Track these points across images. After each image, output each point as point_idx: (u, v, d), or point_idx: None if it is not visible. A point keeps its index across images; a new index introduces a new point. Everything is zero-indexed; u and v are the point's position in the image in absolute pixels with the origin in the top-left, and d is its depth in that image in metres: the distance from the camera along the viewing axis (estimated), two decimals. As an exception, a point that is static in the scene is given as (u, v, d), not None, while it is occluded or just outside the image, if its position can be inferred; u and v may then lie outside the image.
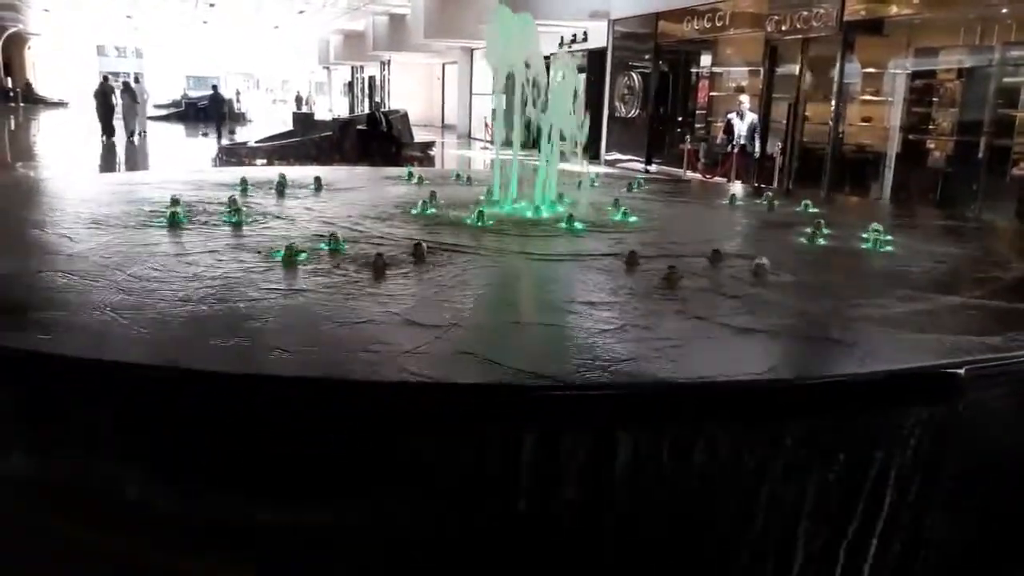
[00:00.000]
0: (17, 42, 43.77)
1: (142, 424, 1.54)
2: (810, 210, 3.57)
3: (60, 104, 40.41)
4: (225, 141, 19.34)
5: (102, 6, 31.36)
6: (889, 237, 2.86)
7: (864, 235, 2.87)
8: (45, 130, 26.36)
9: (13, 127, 26.24)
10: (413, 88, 33.83)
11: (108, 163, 16.87)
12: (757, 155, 12.48)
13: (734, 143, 12.54)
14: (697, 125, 16.17)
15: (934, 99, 10.98)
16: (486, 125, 26.41)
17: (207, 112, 27.95)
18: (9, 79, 40.31)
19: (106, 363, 1.53)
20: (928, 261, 2.73)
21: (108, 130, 20.62)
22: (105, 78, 22.30)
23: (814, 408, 1.61)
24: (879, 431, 1.61)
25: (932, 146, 11.04)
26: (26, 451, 1.62)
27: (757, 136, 12.46)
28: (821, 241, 2.92)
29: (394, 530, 1.52)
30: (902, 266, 2.62)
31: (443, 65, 32.55)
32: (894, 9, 11.02)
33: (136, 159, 17.65)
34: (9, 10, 33.63)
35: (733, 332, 1.85)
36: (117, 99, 21.38)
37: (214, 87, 26.14)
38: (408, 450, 1.49)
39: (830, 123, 11.98)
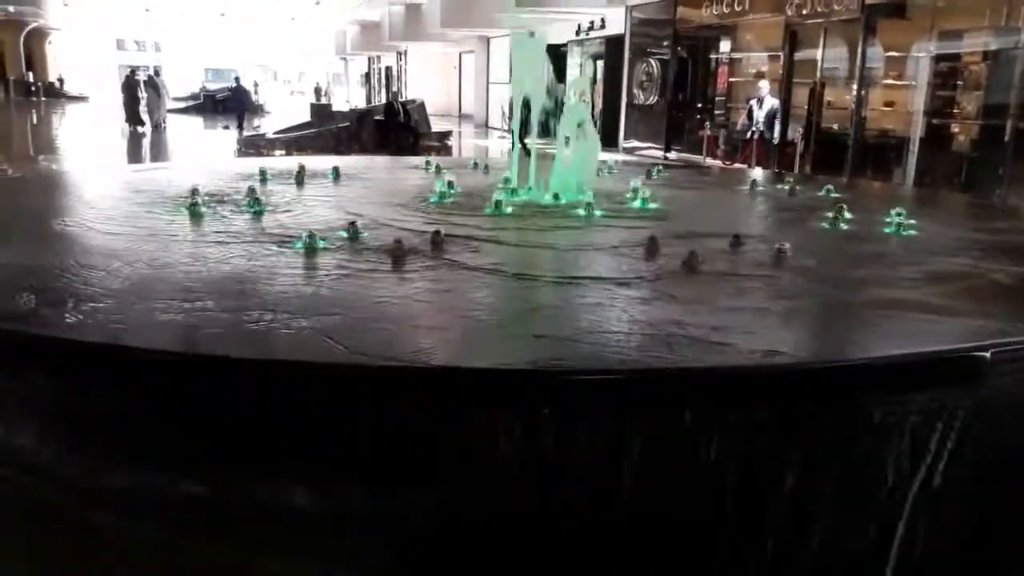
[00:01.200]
0: (38, 37, 44.23)
1: (157, 409, 1.56)
2: (832, 195, 3.53)
3: (81, 98, 40.82)
4: (247, 133, 19.50)
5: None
6: (912, 221, 2.82)
7: (887, 219, 2.83)
8: (70, 124, 26.69)
9: (35, 121, 26.57)
10: (430, 78, 33.81)
11: (133, 154, 17.27)
12: (776, 141, 12.37)
13: (754, 129, 12.44)
14: (716, 111, 16.05)
15: (959, 82, 10.82)
16: (503, 114, 26.37)
17: (227, 104, 28.38)
18: (30, 74, 40.75)
19: (119, 348, 1.55)
20: (952, 245, 2.69)
21: (134, 120, 22.22)
22: (133, 72, 24.34)
23: (829, 393, 1.59)
24: (898, 418, 1.59)
25: (956, 130, 10.90)
26: (48, 440, 1.65)
27: (777, 122, 12.34)
28: (843, 226, 2.89)
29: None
30: (925, 250, 2.59)
31: (460, 54, 32.49)
32: (917, -9, 10.87)
33: (159, 150, 18.14)
34: (30, 4, 33.95)
35: (751, 316, 1.84)
36: (142, 92, 22.93)
37: (236, 79, 26.33)
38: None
39: (852, 108, 11.84)
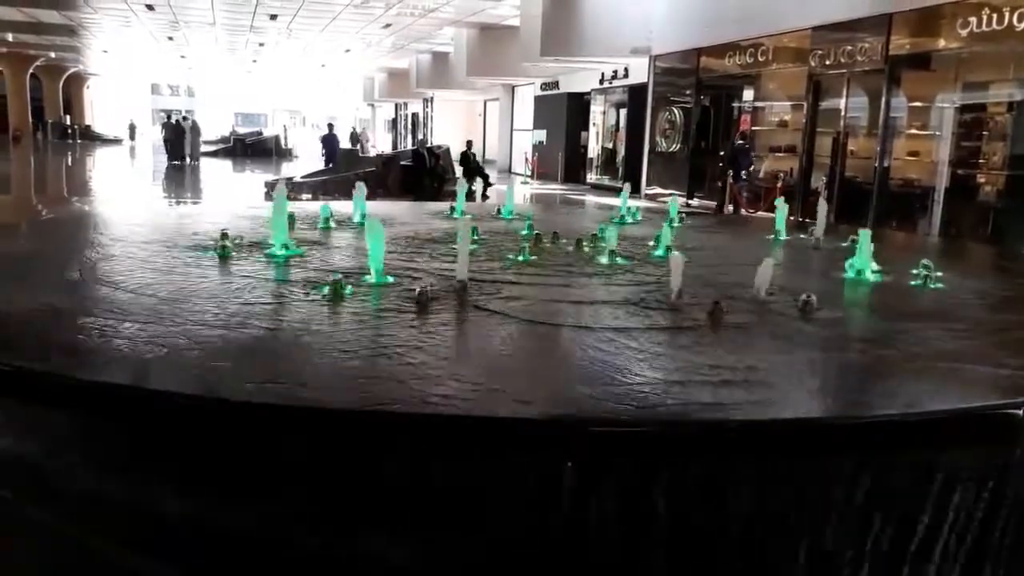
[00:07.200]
0: (77, 82, 45.60)
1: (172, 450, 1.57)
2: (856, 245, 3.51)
3: (115, 141, 41.94)
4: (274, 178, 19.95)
5: (158, 47, 32.63)
6: (939, 273, 2.79)
7: (913, 271, 2.81)
8: (104, 166, 27.61)
9: (71, 163, 27.37)
10: (455, 124, 34.34)
11: (169, 195, 18.75)
12: (731, 180, 13.02)
13: (781, 177, 12.67)
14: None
15: (984, 133, 10.79)
16: (527, 160, 26.63)
17: (256, 148, 30.55)
18: (68, 117, 41.92)
19: (139, 390, 1.57)
20: (981, 298, 2.66)
21: (177, 157, 26.57)
22: (169, 116, 30.61)
23: (859, 452, 1.56)
24: (930, 476, 1.55)
25: (983, 180, 10.83)
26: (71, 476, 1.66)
27: (740, 162, 13.09)
28: (869, 277, 2.87)
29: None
30: (954, 303, 2.56)
31: (484, 102, 33.03)
32: (941, 43, 10.92)
33: (194, 192, 20.00)
34: (71, 51, 35.12)
35: (778, 368, 1.82)
36: (187, 133, 27.59)
37: (330, 125, 26.66)
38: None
39: (875, 157, 11.83)
